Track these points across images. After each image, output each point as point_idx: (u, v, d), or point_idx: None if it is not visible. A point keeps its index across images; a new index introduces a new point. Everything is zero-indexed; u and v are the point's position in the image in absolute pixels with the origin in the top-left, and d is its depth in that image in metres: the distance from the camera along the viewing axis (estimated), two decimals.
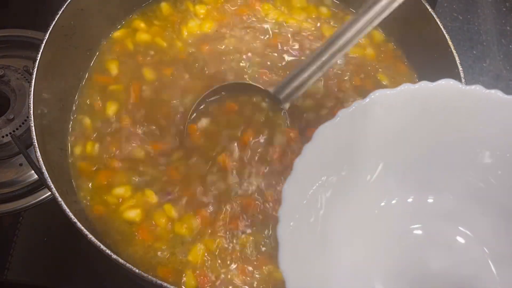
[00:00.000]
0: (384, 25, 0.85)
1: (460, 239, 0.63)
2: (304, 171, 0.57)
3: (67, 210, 0.69)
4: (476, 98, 0.59)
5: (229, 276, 0.75)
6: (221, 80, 0.87)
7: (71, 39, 0.86)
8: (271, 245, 0.77)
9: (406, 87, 0.59)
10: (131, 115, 0.86)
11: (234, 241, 0.77)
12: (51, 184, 0.70)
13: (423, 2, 0.87)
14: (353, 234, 0.62)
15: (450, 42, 0.83)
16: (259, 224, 0.78)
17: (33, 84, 0.76)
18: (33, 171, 0.95)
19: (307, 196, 0.58)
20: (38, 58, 0.78)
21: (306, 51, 0.93)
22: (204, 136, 0.83)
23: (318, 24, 0.98)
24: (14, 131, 0.99)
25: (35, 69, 0.77)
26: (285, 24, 0.97)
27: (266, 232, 0.78)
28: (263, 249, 0.77)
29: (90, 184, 0.81)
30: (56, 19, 0.81)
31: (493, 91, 0.58)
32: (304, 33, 0.96)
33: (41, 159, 0.72)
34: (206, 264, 0.76)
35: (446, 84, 0.59)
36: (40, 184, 0.97)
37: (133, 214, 0.78)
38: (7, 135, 0.99)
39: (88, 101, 0.88)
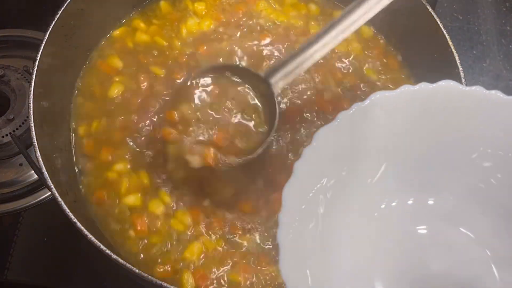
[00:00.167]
0: (380, 22, 0.85)
1: (461, 240, 0.63)
2: (304, 174, 0.57)
3: (67, 210, 0.69)
4: (476, 99, 0.59)
5: (229, 276, 0.75)
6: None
7: (71, 39, 0.86)
8: (272, 243, 0.77)
9: (406, 88, 0.59)
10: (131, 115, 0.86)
11: (234, 240, 0.77)
12: (51, 184, 0.70)
13: (423, 2, 0.87)
14: (353, 236, 0.62)
15: (450, 42, 0.83)
16: (261, 222, 0.79)
17: (33, 84, 0.76)
18: (33, 171, 0.95)
19: (307, 199, 0.58)
20: (38, 58, 0.78)
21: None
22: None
23: (312, 23, 0.98)
24: (14, 131, 0.99)
25: (35, 69, 0.78)
26: (277, 22, 0.97)
27: (268, 231, 0.78)
28: (266, 247, 0.77)
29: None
30: (56, 19, 0.81)
31: (493, 91, 0.58)
32: (293, 30, 0.96)
33: (41, 159, 0.72)
34: (205, 263, 0.76)
35: (446, 85, 0.59)
36: (40, 184, 0.98)
37: (132, 199, 0.79)
38: (7, 135, 0.99)
39: (88, 101, 0.88)
